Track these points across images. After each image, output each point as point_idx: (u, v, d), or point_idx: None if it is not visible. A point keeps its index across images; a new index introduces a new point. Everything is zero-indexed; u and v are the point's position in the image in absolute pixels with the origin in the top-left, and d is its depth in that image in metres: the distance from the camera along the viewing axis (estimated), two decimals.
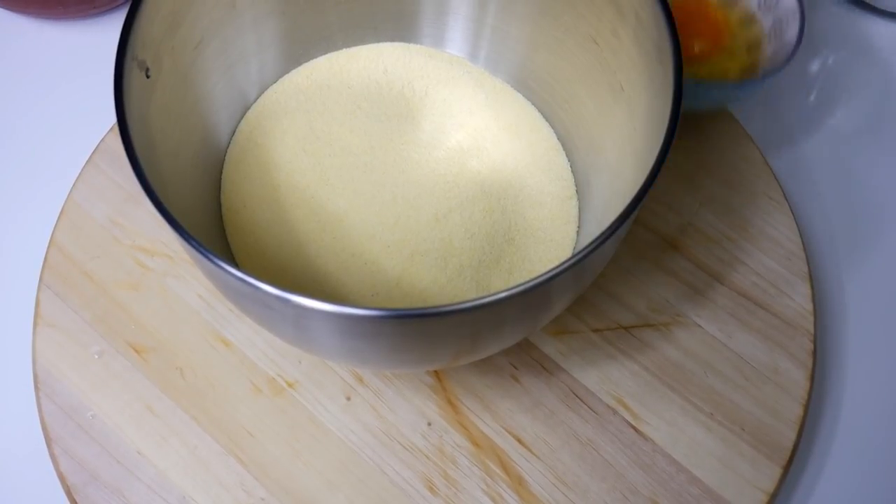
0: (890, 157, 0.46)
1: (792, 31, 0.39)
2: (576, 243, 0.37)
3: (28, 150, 0.45)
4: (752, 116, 0.45)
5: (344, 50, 0.41)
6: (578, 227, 0.37)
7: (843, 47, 0.49)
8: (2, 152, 0.45)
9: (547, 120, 0.39)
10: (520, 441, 0.36)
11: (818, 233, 0.43)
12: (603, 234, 0.26)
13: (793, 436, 0.36)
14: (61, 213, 0.40)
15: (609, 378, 0.37)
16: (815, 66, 0.48)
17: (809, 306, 0.39)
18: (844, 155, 0.45)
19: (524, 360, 0.37)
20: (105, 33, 0.48)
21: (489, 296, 0.25)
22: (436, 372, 0.37)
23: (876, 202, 0.44)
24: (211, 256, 0.26)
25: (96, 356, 0.37)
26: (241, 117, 0.39)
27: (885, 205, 0.44)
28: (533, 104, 0.40)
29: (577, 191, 0.38)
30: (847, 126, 0.46)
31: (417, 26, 0.40)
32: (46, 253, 0.39)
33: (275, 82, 0.39)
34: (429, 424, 0.36)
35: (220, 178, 0.37)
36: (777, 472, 0.35)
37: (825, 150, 0.46)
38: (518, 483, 0.35)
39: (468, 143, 0.38)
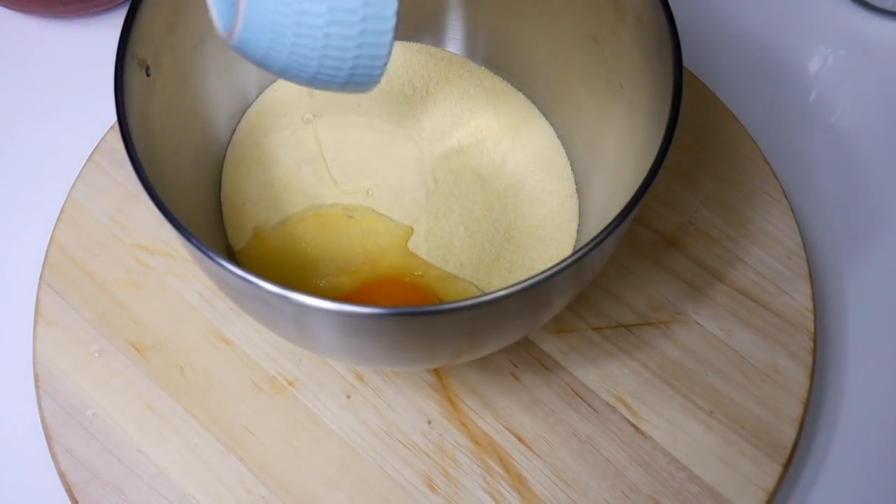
0: (890, 156, 0.46)
1: None
2: (576, 242, 0.37)
3: (29, 149, 0.45)
4: (751, 116, 0.45)
5: None
6: (579, 225, 0.37)
7: (843, 47, 0.49)
8: (3, 151, 0.45)
9: (547, 118, 0.39)
10: (520, 439, 0.36)
11: (818, 231, 0.43)
12: (603, 232, 0.26)
13: (793, 434, 0.36)
14: (62, 211, 0.40)
15: (609, 376, 0.37)
16: (815, 66, 0.48)
17: (809, 304, 0.39)
18: (844, 155, 0.45)
19: (524, 359, 0.37)
20: (105, 32, 0.48)
21: (489, 294, 0.25)
22: (436, 370, 0.37)
23: (876, 202, 0.44)
24: (211, 255, 0.26)
25: (97, 354, 0.37)
26: (242, 116, 0.39)
27: (885, 205, 0.44)
28: (533, 103, 0.40)
29: (577, 189, 0.38)
30: (847, 126, 0.46)
31: (417, 25, 0.40)
32: (47, 251, 0.39)
33: (274, 81, 0.40)
34: (429, 423, 0.36)
35: (221, 177, 0.38)
36: (777, 470, 0.35)
37: (825, 150, 0.46)
38: (518, 481, 0.35)
39: (468, 142, 0.39)
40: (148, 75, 0.30)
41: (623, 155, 0.33)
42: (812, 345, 0.38)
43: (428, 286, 0.35)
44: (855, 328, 0.41)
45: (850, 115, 0.47)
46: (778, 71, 0.48)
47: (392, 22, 0.26)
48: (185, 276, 0.39)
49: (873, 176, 0.45)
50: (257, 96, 0.39)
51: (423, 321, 0.26)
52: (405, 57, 0.40)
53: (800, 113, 0.47)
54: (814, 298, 0.39)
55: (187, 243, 0.26)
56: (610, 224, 0.26)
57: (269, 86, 0.39)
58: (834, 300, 0.42)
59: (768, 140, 0.44)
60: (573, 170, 0.38)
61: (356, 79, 0.27)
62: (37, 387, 0.36)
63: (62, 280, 0.39)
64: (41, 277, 0.39)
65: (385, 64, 0.27)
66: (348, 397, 0.37)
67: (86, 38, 0.48)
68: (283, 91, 0.39)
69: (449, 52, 0.41)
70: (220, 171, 0.38)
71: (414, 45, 0.41)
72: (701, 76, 0.44)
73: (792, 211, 0.41)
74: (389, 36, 0.26)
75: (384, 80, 0.40)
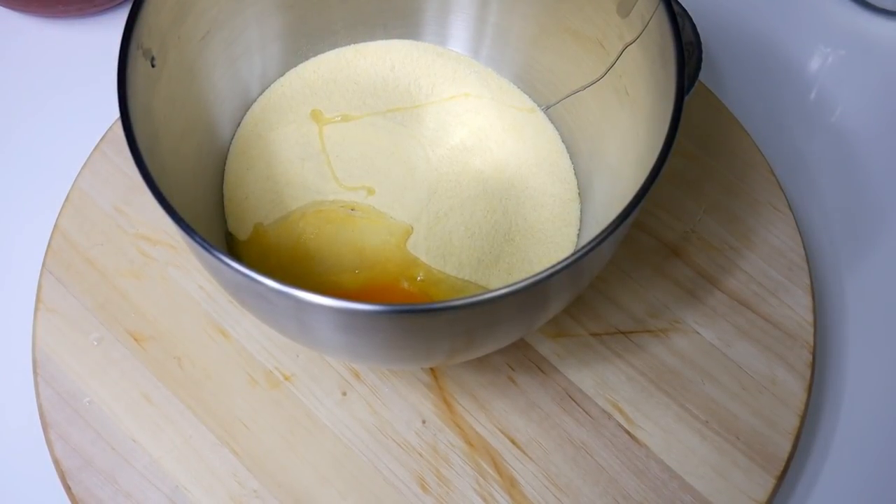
0: (891, 156, 0.45)
1: None
2: (576, 246, 0.37)
3: (33, 140, 0.45)
4: (752, 116, 0.45)
5: (352, 45, 0.41)
6: (579, 230, 0.37)
7: (843, 46, 0.49)
8: (10, 139, 0.45)
9: (552, 122, 0.39)
10: (514, 442, 0.36)
11: (819, 237, 0.43)
12: (600, 234, 0.26)
13: (788, 446, 0.36)
14: (66, 199, 0.40)
15: (605, 382, 0.37)
16: (815, 65, 0.48)
17: (810, 317, 0.38)
18: (845, 155, 0.45)
19: (521, 361, 0.37)
20: (105, 32, 0.48)
21: (484, 293, 0.25)
22: (432, 370, 0.37)
23: (877, 203, 0.44)
24: (209, 248, 0.26)
25: (95, 343, 0.37)
26: (246, 110, 0.39)
27: (886, 206, 0.44)
28: (538, 105, 0.40)
29: (579, 194, 0.38)
30: (847, 126, 0.46)
31: (421, 23, 0.40)
32: (50, 238, 0.39)
33: (279, 76, 0.40)
34: (423, 422, 0.36)
35: (224, 170, 0.38)
36: (771, 482, 0.35)
37: (826, 150, 0.45)
38: (510, 484, 0.35)
39: (472, 142, 0.39)
40: (153, 66, 0.30)
41: (625, 160, 0.33)
42: (811, 358, 0.38)
43: (426, 291, 0.35)
44: (854, 341, 0.41)
45: (851, 114, 0.46)
46: (778, 71, 0.48)
47: None
48: (186, 267, 0.39)
49: (874, 176, 0.45)
50: (262, 91, 0.39)
51: (420, 319, 0.26)
52: (411, 55, 0.40)
53: (800, 113, 0.46)
54: (814, 311, 0.39)
55: (186, 236, 0.26)
56: (608, 226, 0.26)
57: (274, 80, 0.40)
58: (835, 312, 0.41)
59: (768, 140, 0.44)
60: (576, 174, 0.38)
61: None
62: (35, 373, 0.37)
63: (64, 267, 0.39)
64: (43, 264, 0.39)
65: None
66: (344, 394, 0.37)
67: (86, 38, 0.48)
68: (289, 86, 0.39)
69: (455, 51, 0.41)
70: (223, 165, 0.38)
71: (421, 44, 0.41)
72: (701, 76, 0.44)
73: (796, 223, 0.41)
74: None
75: (391, 78, 0.40)
